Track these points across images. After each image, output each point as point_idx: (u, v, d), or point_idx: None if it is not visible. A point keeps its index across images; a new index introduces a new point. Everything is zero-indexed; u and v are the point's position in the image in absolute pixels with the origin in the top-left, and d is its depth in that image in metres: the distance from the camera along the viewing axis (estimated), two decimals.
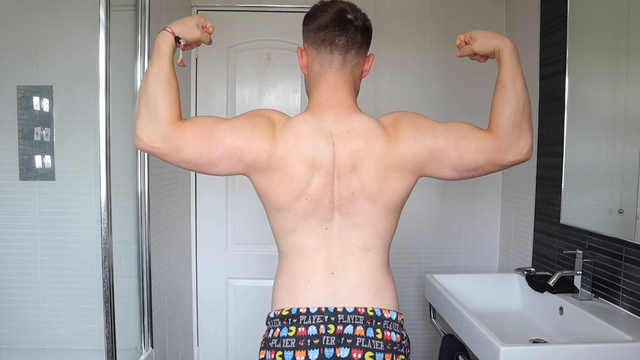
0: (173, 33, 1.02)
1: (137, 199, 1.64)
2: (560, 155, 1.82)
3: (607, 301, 1.55)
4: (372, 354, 0.99)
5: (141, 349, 1.65)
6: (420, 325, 2.43)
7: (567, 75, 1.77)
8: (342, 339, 1.00)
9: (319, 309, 1.02)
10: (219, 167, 1.01)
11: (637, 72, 1.46)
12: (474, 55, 1.14)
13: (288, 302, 1.04)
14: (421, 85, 2.36)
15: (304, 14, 1.11)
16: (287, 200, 1.02)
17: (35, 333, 1.74)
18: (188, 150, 0.98)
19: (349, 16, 1.06)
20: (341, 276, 1.05)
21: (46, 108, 1.72)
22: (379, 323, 1.03)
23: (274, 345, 1.01)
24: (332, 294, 1.04)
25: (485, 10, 2.35)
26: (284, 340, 1.01)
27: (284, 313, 1.03)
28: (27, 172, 1.72)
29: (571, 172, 1.78)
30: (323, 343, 0.99)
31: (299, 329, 1.01)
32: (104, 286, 1.32)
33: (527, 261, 2.09)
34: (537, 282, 1.72)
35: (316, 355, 0.98)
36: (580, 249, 1.62)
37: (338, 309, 1.02)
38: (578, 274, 1.60)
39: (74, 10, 1.73)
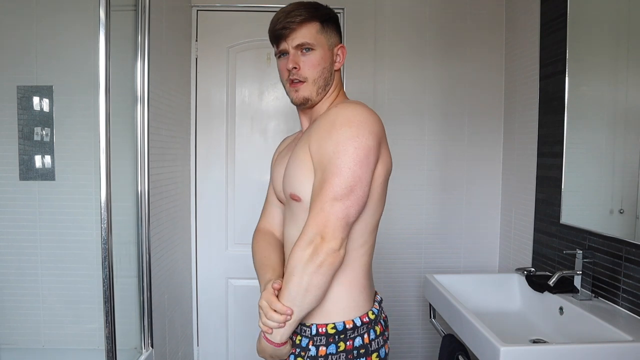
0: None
1: (137, 199, 1.64)
2: (560, 155, 1.82)
3: (607, 301, 1.55)
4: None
5: (141, 349, 1.65)
6: (420, 325, 2.43)
7: (567, 75, 1.77)
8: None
9: (380, 301, 1.19)
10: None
11: (637, 72, 1.46)
12: None
13: (369, 304, 1.12)
14: (421, 84, 2.36)
15: None
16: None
17: (35, 333, 1.74)
18: (359, 209, 1.01)
19: None
20: None
21: (46, 108, 1.72)
22: None
23: (373, 347, 1.09)
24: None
25: (485, 10, 2.35)
26: (375, 341, 1.10)
27: (371, 317, 1.10)
28: (27, 172, 1.72)
29: (571, 172, 1.78)
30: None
31: (381, 324, 1.14)
32: (104, 286, 1.32)
33: (527, 261, 2.09)
34: (537, 282, 1.72)
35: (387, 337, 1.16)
36: (580, 249, 1.62)
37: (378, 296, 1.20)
38: (578, 274, 1.60)
39: (74, 11, 1.73)
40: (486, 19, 2.35)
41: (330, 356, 1.04)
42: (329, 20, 1.15)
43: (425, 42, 2.35)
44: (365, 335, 1.07)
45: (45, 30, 1.71)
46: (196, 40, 2.34)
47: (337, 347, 1.05)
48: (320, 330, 1.06)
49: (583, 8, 1.72)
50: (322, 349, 1.05)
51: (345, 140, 0.98)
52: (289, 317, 0.99)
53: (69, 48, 1.71)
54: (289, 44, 1.12)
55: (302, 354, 1.06)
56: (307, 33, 1.11)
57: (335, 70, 1.17)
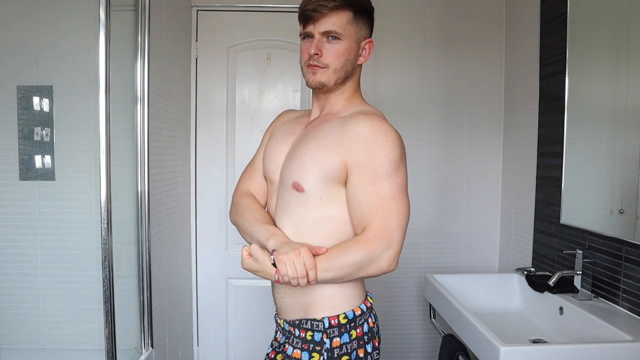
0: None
1: (137, 199, 1.64)
2: (560, 155, 1.82)
3: (607, 301, 1.55)
4: None
5: (141, 349, 1.65)
6: (420, 325, 2.43)
7: (567, 75, 1.77)
8: None
9: None
10: None
11: (637, 72, 1.46)
12: None
13: (365, 290, 1.17)
14: (421, 84, 2.36)
15: None
16: None
17: (35, 333, 1.74)
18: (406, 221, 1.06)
19: None
20: None
21: (46, 108, 1.72)
22: None
23: (376, 330, 1.14)
24: None
25: (485, 10, 2.35)
26: (376, 324, 1.15)
27: (371, 301, 1.16)
28: (27, 172, 1.72)
29: (571, 172, 1.78)
30: None
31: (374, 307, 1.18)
32: (104, 286, 1.32)
33: (527, 261, 2.09)
34: (537, 282, 1.72)
35: None
36: (580, 249, 1.62)
37: None
38: (578, 274, 1.60)
39: (74, 10, 1.73)
40: (486, 19, 2.35)
41: (344, 346, 1.06)
42: (364, 11, 1.10)
43: (425, 43, 2.35)
44: (369, 320, 1.11)
45: (45, 30, 1.70)
46: (196, 40, 2.34)
47: (350, 336, 1.07)
48: (332, 322, 1.07)
49: (583, 8, 1.72)
50: (336, 340, 1.06)
51: (397, 162, 1.03)
52: (311, 281, 1.01)
53: (69, 48, 1.71)
54: (316, 29, 1.07)
55: (317, 348, 1.07)
56: (337, 21, 1.06)
57: (357, 65, 1.13)
